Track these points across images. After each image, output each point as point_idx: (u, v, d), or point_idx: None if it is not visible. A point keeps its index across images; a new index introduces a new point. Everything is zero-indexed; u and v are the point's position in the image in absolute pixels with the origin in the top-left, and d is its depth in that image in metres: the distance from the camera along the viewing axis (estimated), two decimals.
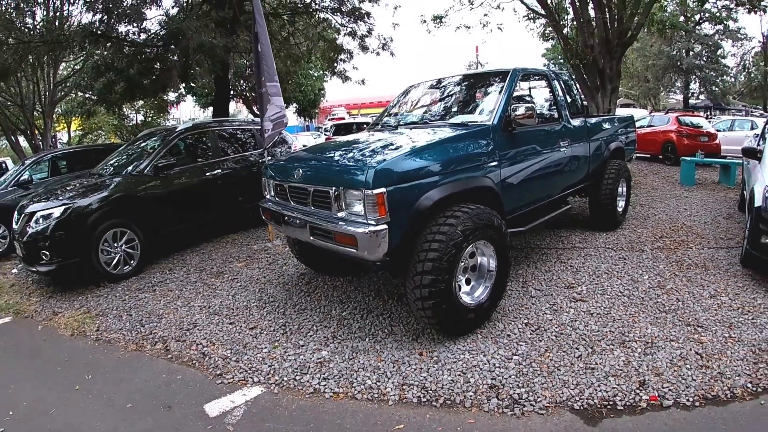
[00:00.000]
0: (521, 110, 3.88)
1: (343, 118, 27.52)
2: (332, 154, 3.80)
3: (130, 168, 5.99)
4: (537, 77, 4.92)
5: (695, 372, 2.95)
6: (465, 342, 3.37)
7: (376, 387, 2.92)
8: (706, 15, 21.92)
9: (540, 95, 4.88)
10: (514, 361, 3.11)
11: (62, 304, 4.79)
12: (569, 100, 5.28)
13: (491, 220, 3.37)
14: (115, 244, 5.31)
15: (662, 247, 5.44)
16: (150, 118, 24.58)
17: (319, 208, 3.43)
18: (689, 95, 34.23)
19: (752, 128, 13.47)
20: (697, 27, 27.93)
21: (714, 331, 3.46)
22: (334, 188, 3.24)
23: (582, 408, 2.66)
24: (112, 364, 3.52)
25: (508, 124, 3.93)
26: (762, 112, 24.92)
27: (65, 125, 26.48)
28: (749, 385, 2.81)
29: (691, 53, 31.31)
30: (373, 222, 2.99)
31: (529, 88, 4.74)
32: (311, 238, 3.44)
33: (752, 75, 33.19)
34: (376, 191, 2.95)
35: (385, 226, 2.98)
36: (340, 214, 3.23)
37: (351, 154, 3.65)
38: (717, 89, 32.66)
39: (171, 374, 3.29)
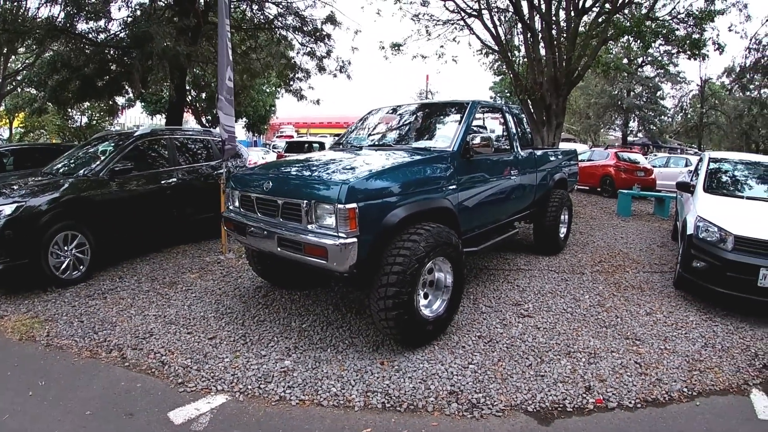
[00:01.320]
0: (478, 139, 4.19)
1: (292, 136, 27.46)
2: (302, 170, 3.95)
3: (85, 170, 5.81)
4: (492, 110, 5.30)
5: (635, 378, 3.27)
6: (423, 352, 3.55)
7: (341, 394, 3.03)
8: (648, 59, 23.65)
9: (494, 127, 5.24)
10: (470, 369, 3.32)
11: (7, 307, 4.56)
12: (520, 132, 5.67)
13: (450, 238, 3.61)
14: (66, 248, 5.11)
15: (601, 271, 5.87)
16: (95, 121, 23.63)
17: (288, 220, 3.54)
18: (628, 132, 36.51)
19: (686, 165, 14.60)
20: (639, 69, 29.94)
21: (651, 343, 3.83)
22: (305, 202, 3.37)
23: (535, 410, 2.90)
24: (66, 370, 3.40)
25: (466, 152, 4.23)
26: (696, 150, 26.96)
27: (7, 121, 25.05)
28: (685, 389, 3.18)
29: (632, 93, 33.49)
30: (344, 235, 3.15)
31: (485, 120, 5.08)
32: (278, 249, 3.54)
33: (689, 116, 35.77)
34: (348, 206, 3.12)
35: (355, 240, 3.15)
36: (310, 227, 3.36)
37: (322, 171, 3.81)
38: (655, 128, 35.01)
39: (130, 382, 3.22)
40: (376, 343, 3.73)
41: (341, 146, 5.18)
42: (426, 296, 3.69)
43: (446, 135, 4.47)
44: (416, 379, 3.20)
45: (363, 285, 3.51)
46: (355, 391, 3.06)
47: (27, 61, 16.58)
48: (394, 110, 5.46)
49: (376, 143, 4.95)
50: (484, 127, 4.78)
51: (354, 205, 3.15)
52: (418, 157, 4.00)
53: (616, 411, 2.92)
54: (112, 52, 10.50)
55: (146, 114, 29.13)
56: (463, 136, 4.28)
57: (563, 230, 6.76)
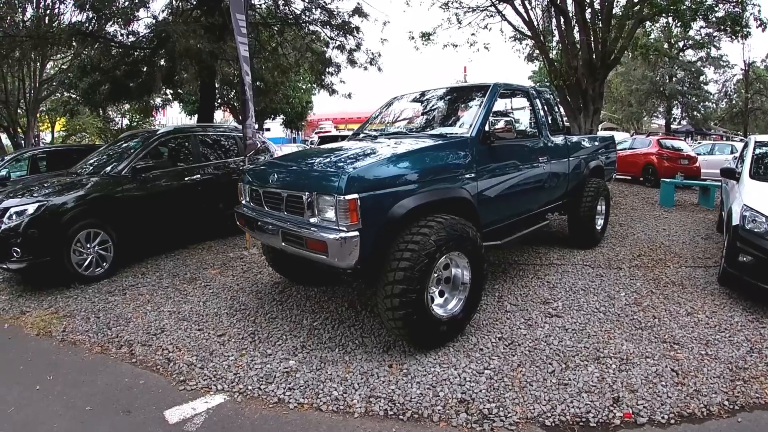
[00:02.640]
0: (500, 124, 3.87)
1: (330, 132, 27.48)
2: (309, 160, 3.76)
3: (108, 169, 5.88)
4: (518, 93, 4.95)
5: (671, 389, 2.91)
6: (436, 355, 3.30)
7: (342, 398, 2.83)
8: (690, 42, 22.46)
9: (520, 111, 4.90)
10: (485, 376, 3.05)
11: (31, 303, 4.63)
12: (550, 117, 5.31)
13: (466, 231, 3.34)
14: (88, 245, 5.17)
15: (640, 265, 5.45)
16: (135, 122, 24.35)
17: (292, 213, 3.37)
18: (671, 120, 34.93)
19: (732, 153, 13.75)
20: (681, 54, 28.60)
21: (690, 348, 3.44)
22: (307, 193, 3.18)
23: (553, 425, 2.60)
24: (75, 365, 3.40)
25: (486, 138, 3.92)
26: (742, 137, 25.52)
27: (49, 125, 26.13)
28: (726, 402, 2.78)
29: (674, 79, 32.02)
30: (344, 228, 2.94)
31: (510, 104, 4.76)
32: (283, 244, 3.37)
33: (733, 101, 34.03)
34: (348, 197, 2.90)
35: (357, 233, 2.93)
36: (312, 220, 3.17)
37: (327, 161, 3.60)
38: (699, 115, 33.41)
39: (134, 378, 3.17)
40: (388, 344, 3.51)
41: (359, 136, 4.97)
42: (442, 294, 3.43)
43: (465, 120, 4.18)
44: (425, 384, 2.95)
45: (371, 281, 3.28)
46: (357, 395, 2.85)
47: (63, 66, 17.16)
48: (416, 97, 5.19)
49: (394, 131, 4.72)
50: (509, 112, 4.45)
51: (354, 195, 2.92)
52: (431, 144, 3.74)
53: (646, 427, 2.59)
54: (140, 53, 10.67)
55: (185, 114, 29.79)
56: (483, 121, 3.97)
57: (600, 222, 6.34)
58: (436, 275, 3.25)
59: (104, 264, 5.32)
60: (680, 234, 7.12)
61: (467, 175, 3.71)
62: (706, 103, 33.78)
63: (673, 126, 34.63)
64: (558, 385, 2.95)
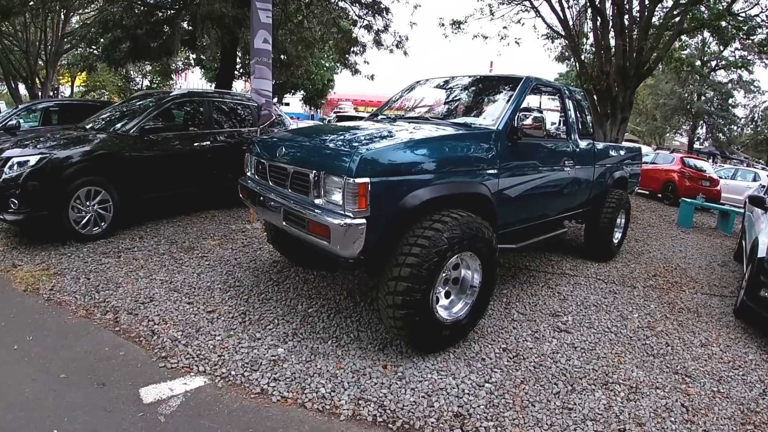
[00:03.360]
0: (529, 120, 3.59)
1: (348, 112, 27.16)
2: (321, 136, 3.49)
3: (117, 126, 5.69)
4: (550, 90, 4.66)
5: (680, 426, 2.70)
6: (435, 360, 3.08)
7: (329, 397, 2.62)
8: (723, 62, 21.86)
9: (551, 110, 4.62)
10: (485, 389, 2.83)
11: (24, 257, 4.47)
12: (580, 120, 5.02)
13: (482, 231, 3.08)
14: (88, 203, 4.99)
15: (655, 286, 5.20)
16: (156, 84, 24.22)
17: (297, 192, 3.13)
18: (695, 139, 34.26)
19: (755, 180, 13.35)
20: (712, 73, 27.93)
21: (702, 383, 3.22)
22: (314, 172, 2.93)
23: None
24: (57, 327, 3.23)
25: (513, 133, 3.66)
26: (764, 166, 24.98)
27: (69, 79, 26.06)
28: None
29: (702, 98, 31.31)
30: (351, 214, 2.69)
31: (540, 101, 4.48)
32: (284, 223, 3.14)
33: (759, 128, 33.29)
34: (358, 180, 2.64)
35: (364, 221, 2.68)
36: (317, 201, 2.93)
37: (340, 139, 3.34)
38: (723, 137, 32.71)
39: (114, 348, 2.99)
40: (384, 341, 3.28)
41: (377, 117, 4.71)
42: (448, 295, 3.20)
43: (492, 111, 3.90)
44: (420, 391, 2.73)
45: (374, 273, 3.05)
46: (346, 395, 2.64)
47: (87, 21, 16.97)
48: (443, 82, 4.90)
49: (414, 116, 4.44)
50: (539, 110, 4.17)
51: (366, 179, 2.65)
52: (453, 132, 3.47)
53: None
54: (163, 13, 10.47)
55: (206, 80, 29.62)
56: (511, 114, 3.69)
57: (618, 235, 6.06)
58: (444, 275, 3.02)
59: (102, 224, 5.14)
60: (696, 258, 6.84)
61: (489, 171, 3.44)
62: (732, 126, 33.05)
63: (696, 145, 33.95)
64: (562, 409, 2.73)
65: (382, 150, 2.87)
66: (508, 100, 3.86)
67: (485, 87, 4.60)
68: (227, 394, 2.60)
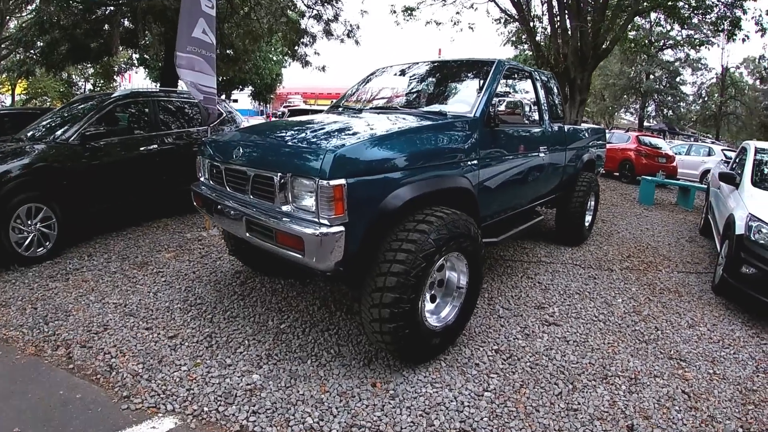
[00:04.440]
0: (504, 106, 3.39)
1: (299, 106, 26.59)
2: (282, 133, 3.13)
3: (55, 134, 5.17)
4: (521, 73, 4.47)
5: (685, 415, 2.62)
6: (427, 371, 2.84)
7: (318, 428, 2.33)
8: (670, 42, 22.54)
9: (522, 94, 4.43)
10: (485, 399, 2.61)
11: None
12: (550, 103, 4.87)
13: (468, 228, 2.84)
14: (29, 222, 4.49)
15: (631, 268, 5.16)
16: (100, 87, 22.98)
17: (260, 198, 2.77)
18: (644, 117, 35.42)
19: (709, 154, 13.75)
20: (660, 53, 28.88)
21: (698, 366, 3.17)
22: (279, 174, 2.57)
23: None
24: (6, 370, 2.80)
25: (490, 119, 3.43)
26: (713, 140, 26.07)
27: (9, 87, 24.44)
28: (740, 429, 2.54)
29: (651, 77, 32.33)
30: (326, 222, 2.37)
31: (511, 85, 4.29)
32: (247, 234, 2.79)
33: (707, 104, 34.71)
34: (333, 182, 2.32)
35: (342, 228, 2.38)
36: (284, 208, 2.58)
37: (306, 135, 3.00)
38: (672, 114, 33.94)
39: (70, 391, 2.60)
40: (368, 354, 3.01)
41: (338, 109, 4.39)
42: (433, 299, 2.95)
43: (466, 98, 3.65)
44: (416, 410, 2.48)
45: (354, 284, 2.75)
46: (336, 424, 2.35)
47: (24, 25, 15.85)
48: (404, 70, 4.62)
49: (380, 107, 4.16)
50: (511, 93, 3.97)
51: (342, 181, 2.34)
52: (430, 123, 3.20)
53: None
54: (102, 11, 9.81)
55: (150, 80, 28.37)
56: (488, 100, 3.46)
57: (588, 218, 6.01)
58: (430, 279, 2.76)
59: (47, 243, 4.65)
60: (664, 235, 6.92)
61: (469, 162, 3.21)
62: (680, 103, 34.34)
63: (645, 123, 35.11)
64: (567, 411, 2.56)
65: (357, 146, 2.55)
66: (482, 85, 3.63)
67: (454, 72, 4.35)
68: None
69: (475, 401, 2.59)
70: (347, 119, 3.49)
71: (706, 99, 34.49)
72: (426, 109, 3.74)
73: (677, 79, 32.82)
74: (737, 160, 6.41)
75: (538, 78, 4.63)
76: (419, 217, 2.65)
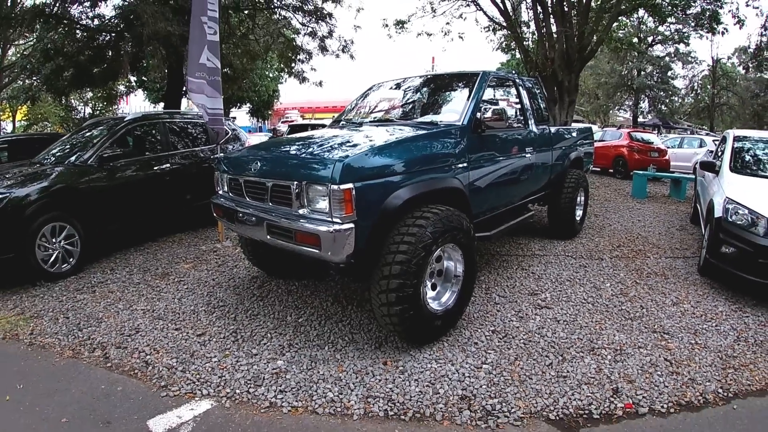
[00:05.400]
0: (490, 113, 3.78)
1: (295, 121, 27.03)
2: (294, 148, 3.56)
3: (72, 158, 5.54)
4: (505, 82, 4.86)
5: (667, 378, 2.93)
6: (431, 350, 3.19)
7: (338, 400, 2.69)
8: (659, 37, 22.97)
9: (507, 100, 4.82)
10: (484, 370, 2.96)
11: None
12: (535, 107, 5.25)
13: (461, 222, 3.23)
14: (54, 240, 4.83)
15: (621, 256, 5.49)
16: (99, 111, 23.43)
17: (278, 204, 3.18)
18: (638, 113, 35.79)
19: (701, 146, 14.07)
20: (650, 48, 29.26)
21: (680, 338, 3.47)
22: (295, 183, 2.99)
23: (558, 418, 2.55)
24: (47, 372, 3.12)
25: (477, 126, 3.83)
26: (708, 132, 26.39)
27: (10, 114, 24.90)
28: (720, 390, 2.82)
29: (642, 73, 32.74)
30: (338, 220, 2.78)
31: (496, 93, 4.67)
32: (268, 237, 3.19)
33: (699, 97, 35.07)
34: (343, 186, 2.74)
35: (351, 225, 2.78)
36: (301, 212, 3.00)
37: (315, 148, 3.43)
38: (666, 108, 34.30)
39: (110, 385, 2.92)
40: (379, 339, 3.38)
41: (340, 124, 4.79)
42: (434, 287, 3.32)
43: (455, 108, 4.05)
44: (423, 382, 2.84)
45: (363, 277, 3.14)
46: (354, 396, 2.71)
47: (26, 53, 16.27)
48: (398, 84, 5.03)
49: (378, 119, 4.55)
50: (496, 101, 4.36)
51: (350, 185, 2.76)
52: (424, 132, 3.60)
53: (648, 417, 2.58)
54: (106, 37, 10.20)
55: (149, 101, 28.85)
56: (474, 109, 3.87)
57: (579, 213, 6.36)
58: (431, 268, 3.14)
59: (71, 259, 4.99)
60: (655, 225, 7.23)
61: (459, 165, 3.60)
62: (673, 97, 34.69)
63: (640, 119, 35.46)
64: (557, 378, 2.90)
65: (361, 155, 2.97)
66: (469, 95, 4.03)
67: (443, 85, 4.77)
68: (237, 412, 2.61)
69: (475, 372, 2.94)
70: (349, 132, 3.90)
71: (698, 91, 34.81)
72: (419, 119, 4.15)
73: (669, 74, 33.18)
74: (718, 149, 6.75)
75: (522, 84, 5.02)
76: (417, 214, 3.04)
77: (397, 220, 3.02)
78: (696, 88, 34.84)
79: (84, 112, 24.92)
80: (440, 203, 3.26)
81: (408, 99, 4.82)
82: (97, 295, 4.42)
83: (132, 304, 4.16)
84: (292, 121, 25.82)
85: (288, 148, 3.60)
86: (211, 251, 5.73)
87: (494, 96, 4.57)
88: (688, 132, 26.51)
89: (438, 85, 4.81)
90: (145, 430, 2.50)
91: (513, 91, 4.90)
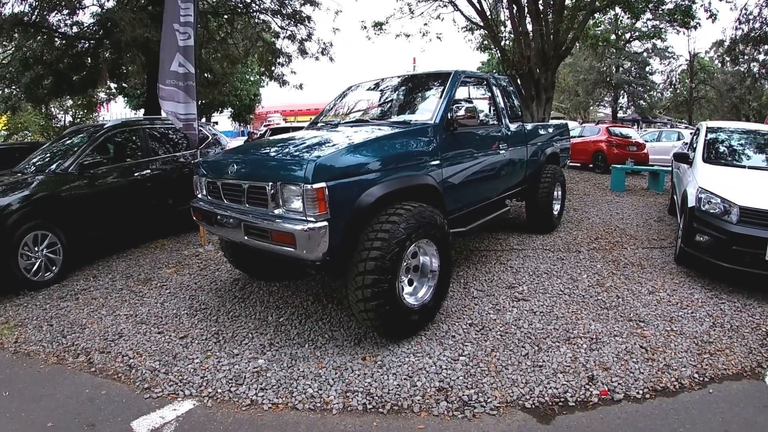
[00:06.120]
0: (462, 111, 3.86)
1: (279, 124, 27.04)
2: (269, 150, 3.62)
3: (53, 166, 5.52)
4: (478, 81, 4.95)
5: (642, 365, 2.99)
6: (409, 344, 3.26)
7: (318, 395, 2.74)
8: (636, 34, 23.35)
9: (480, 99, 4.91)
10: (461, 362, 3.03)
11: None
12: (508, 105, 5.35)
13: (434, 218, 3.30)
14: (36, 249, 4.82)
15: (598, 248, 5.60)
16: (79, 119, 23.15)
17: (255, 205, 3.23)
18: (618, 109, 36.29)
19: (679, 139, 14.33)
20: (628, 45, 29.67)
21: (656, 325, 3.55)
22: (270, 183, 3.05)
23: (534, 406, 2.62)
24: (32, 379, 3.15)
25: (449, 124, 3.90)
26: (687, 125, 26.85)
27: None
28: (696, 375, 2.89)
29: (620, 69, 33.20)
30: (312, 219, 2.84)
31: (470, 92, 4.75)
32: (246, 238, 3.23)
33: (678, 91, 35.66)
34: (316, 186, 2.80)
35: (325, 223, 2.84)
36: (277, 212, 3.04)
37: (289, 149, 3.48)
38: (644, 103, 34.82)
39: (95, 389, 2.96)
40: (358, 336, 3.43)
41: (317, 125, 4.84)
42: (411, 283, 3.38)
43: (428, 107, 4.14)
44: (401, 375, 2.90)
45: (339, 274, 3.19)
46: (333, 391, 2.77)
47: (4, 61, 16.04)
48: (376, 85, 5.11)
49: (355, 120, 4.62)
50: (470, 100, 4.44)
51: (322, 184, 2.82)
52: (397, 131, 3.67)
53: (623, 403, 2.64)
54: (85, 44, 10.15)
55: (129, 108, 28.61)
56: (446, 107, 3.94)
57: (557, 207, 6.48)
58: (405, 264, 3.20)
59: (53, 268, 4.98)
60: (633, 217, 7.37)
61: (432, 162, 3.67)
62: (652, 92, 35.22)
63: (620, 114, 35.98)
64: (533, 368, 2.97)
65: (333, 155, 3.03)
66: (441, 95, 4.11)
67: (417, 85, 4.84)
68: (218, 411, 2.65)
69: (452, 364, 3.01)
70: (325, 133, 3.95)
71: (677, 86, 35.39)
72: (394, 119, 4.21)
73: (647, 69, 33.68)
74: (692, 141, 6.90)
75: (495, 83, 5.12)
76: (391, 211, 3.11)
77: (371, 217, 3.08)
78: (674, 82, 35.42)
79: (64, 120, 24.60)
80: (414, 200, 3.33)
81: (384, 99, 4.89)
82: (80, 302, 4.42)
83: (115, 310, 4.18)
84: (276, 125, 25.82)
85: (263, 150, 3.66)
86: (193, 256, 5.74)
87: (468, 95, 4.65)
88: (668, 126, 26.95)
89: (413, 85, 4.89)
90: (130, 431, 2.53)
91: (487, 89, 4.99)
